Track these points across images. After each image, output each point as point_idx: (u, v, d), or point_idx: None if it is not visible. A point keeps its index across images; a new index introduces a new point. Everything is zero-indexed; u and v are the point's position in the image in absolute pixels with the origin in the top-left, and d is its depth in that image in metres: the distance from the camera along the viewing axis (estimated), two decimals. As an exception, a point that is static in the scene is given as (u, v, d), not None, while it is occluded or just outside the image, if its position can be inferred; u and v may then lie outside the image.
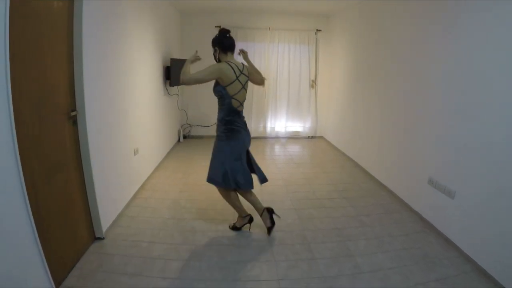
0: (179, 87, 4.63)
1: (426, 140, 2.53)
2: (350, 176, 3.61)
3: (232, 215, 2.48)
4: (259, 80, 2.25)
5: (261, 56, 5.07)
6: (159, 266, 1.91)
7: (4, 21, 1.19)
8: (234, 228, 2.35)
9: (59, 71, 1.72)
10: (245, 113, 2.19)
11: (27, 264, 1.37)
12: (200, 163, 3.80)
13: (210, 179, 2.17)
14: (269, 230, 2.26)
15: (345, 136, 4.49)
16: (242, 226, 2.34)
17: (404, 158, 2.88)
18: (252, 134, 5.22)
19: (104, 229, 2.17)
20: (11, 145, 1.26)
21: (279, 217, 2.34)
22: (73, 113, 1.85)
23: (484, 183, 1.92)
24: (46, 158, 1.60)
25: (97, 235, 2.15)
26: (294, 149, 4.86)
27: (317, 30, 5.06)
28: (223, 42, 2.04)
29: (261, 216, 2.26)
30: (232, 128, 2.06)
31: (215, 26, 4.81)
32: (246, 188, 2.17)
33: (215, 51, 2.08)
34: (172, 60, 3.98)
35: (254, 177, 2.23)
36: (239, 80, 2.01)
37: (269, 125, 5.40)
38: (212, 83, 2.06)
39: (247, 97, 2.18)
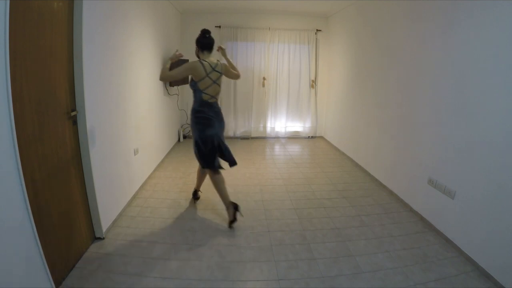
0: (179, 87, 4.63)
1: (426, 140, 2.53)
2: (350, 176, 3.61)
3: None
4: (234, 75, 2.51)
5: (261, 56, 5.07)
6: (159, 266, 1.91)
7: (4, 21, 1.19)
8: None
9: (59, 71, 1.72)
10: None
11: (27, 264, 1.37)
12: (200, 163, 3.80)
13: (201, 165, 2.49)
14: (231, 223, 2.37)
15: (345, 136, 4.49)
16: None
17: (404, 158, 2.88)
18: (252, 134, 5.32)
19: (104, 229, 2.17)
20: (11, 145, 1.26)
21: (242, 216, 2.47)
22: (73, 113, 1.85)
23: (484, 183, 1.92)
24: (46, 158, 1.60)
25: (97, 235, 2.15)
26: (294, 149, 4.86)
27: (317, 30, 5.06)
28: (201, 41, 2.32)
29: (227, 209, 2.38)
30: (202, 117, 2.34)
31: (215, 26, 4.82)
32: (209, 167, 2.42)
33: (196, 48, 2.36)
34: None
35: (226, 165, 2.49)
36: (209, 77, 2.27)
37: (269, 125, 5.39)
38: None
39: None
